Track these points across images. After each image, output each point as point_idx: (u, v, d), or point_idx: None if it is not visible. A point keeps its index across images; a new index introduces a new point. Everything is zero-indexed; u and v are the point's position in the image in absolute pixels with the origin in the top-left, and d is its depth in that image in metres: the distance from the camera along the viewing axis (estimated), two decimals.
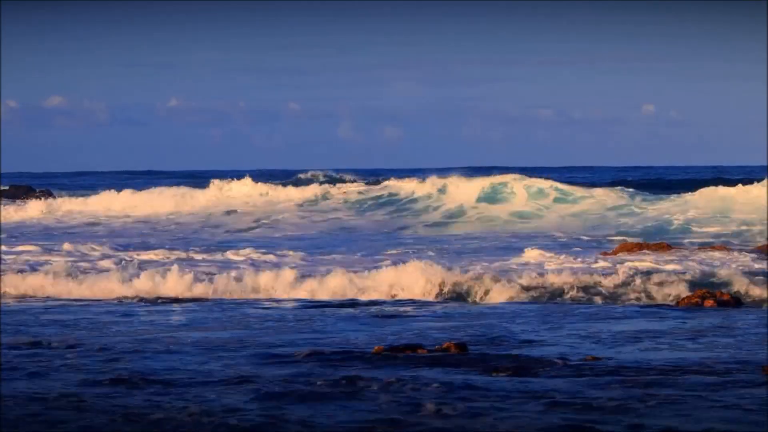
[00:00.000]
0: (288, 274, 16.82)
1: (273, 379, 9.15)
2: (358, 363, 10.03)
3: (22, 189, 47.78)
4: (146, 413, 7.89)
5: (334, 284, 16.42)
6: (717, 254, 20.47)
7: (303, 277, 16.97)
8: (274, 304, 15.27)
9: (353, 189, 39.30)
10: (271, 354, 10.59)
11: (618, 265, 18.58)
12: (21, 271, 17.86)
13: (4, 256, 20.02)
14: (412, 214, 34.49)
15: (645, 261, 19.28)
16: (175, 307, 15.02)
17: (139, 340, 11.55)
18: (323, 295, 16.04)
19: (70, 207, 37.32)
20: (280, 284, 16.61)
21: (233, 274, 17.25)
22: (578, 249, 23.43)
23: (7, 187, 48.24)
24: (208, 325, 13.08)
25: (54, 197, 42.59)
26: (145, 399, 8.39)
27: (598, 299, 15.72)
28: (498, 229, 30.39)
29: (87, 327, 12.77)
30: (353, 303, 15.24)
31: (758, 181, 33.71)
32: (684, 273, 16.92)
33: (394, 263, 17.92)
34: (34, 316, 13.88)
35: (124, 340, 11.60)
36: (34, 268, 18.42)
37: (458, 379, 9.12)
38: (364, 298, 15.87)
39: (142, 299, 15.80)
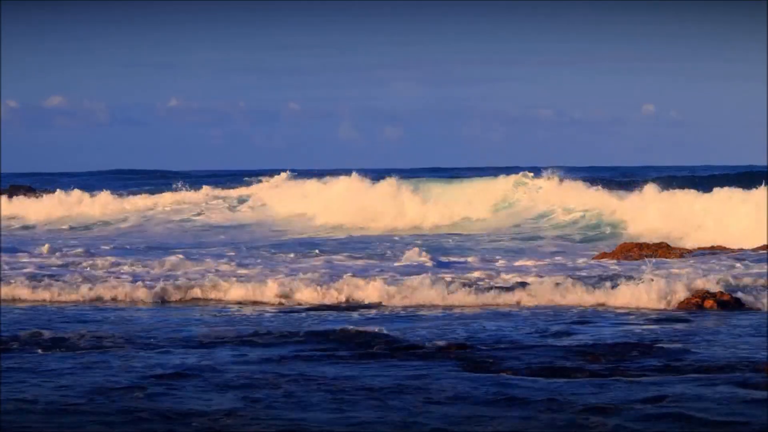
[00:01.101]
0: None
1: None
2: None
3: (22, 189, 47.73)
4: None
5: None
6: (717, 255, 20.56)
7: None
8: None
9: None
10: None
11: (618, 266, 18.68)
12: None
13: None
14: None
15: (644, 261, 19.34)
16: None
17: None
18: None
19: None
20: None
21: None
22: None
23: (7, 188, 48.23)
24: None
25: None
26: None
27: (597, 300, 15.72)
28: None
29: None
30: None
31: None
32: (684, 273, 16.96)
33: None
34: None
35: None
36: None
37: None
38: None
39: None
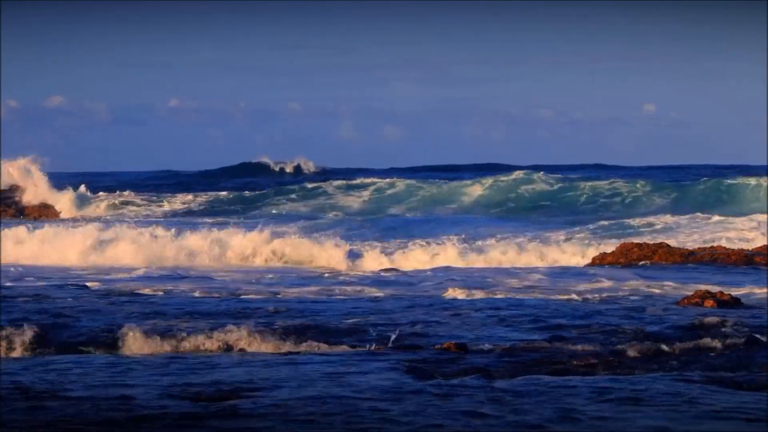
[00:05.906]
0: None
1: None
2: None
3: (22, 189, 47.67)
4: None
5: None
6: (717, 254, 20.56)
7: None
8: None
9: None
10: None
11: (617, 265, 18.70)
12: None
13: None
14: None
15: (643, 260, 19.36)
16: None
17: None
18: None
19: None
20: None
21: None
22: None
23: (7, 188, 48.21)
24: None
25: None
26: None
27: (596, 300, 15.71)
28: None
29: None
30: None
31: None
32: (683, 272, 16.98)
33: None
34: None
35: None
36: None
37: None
38: None
39: None
